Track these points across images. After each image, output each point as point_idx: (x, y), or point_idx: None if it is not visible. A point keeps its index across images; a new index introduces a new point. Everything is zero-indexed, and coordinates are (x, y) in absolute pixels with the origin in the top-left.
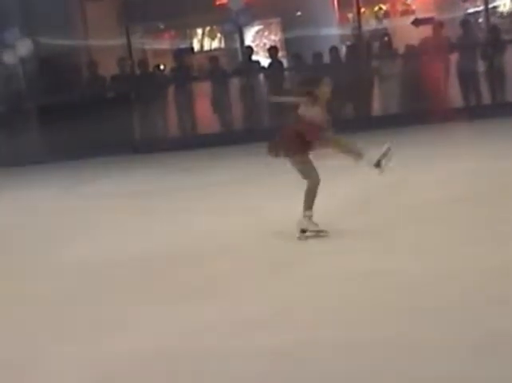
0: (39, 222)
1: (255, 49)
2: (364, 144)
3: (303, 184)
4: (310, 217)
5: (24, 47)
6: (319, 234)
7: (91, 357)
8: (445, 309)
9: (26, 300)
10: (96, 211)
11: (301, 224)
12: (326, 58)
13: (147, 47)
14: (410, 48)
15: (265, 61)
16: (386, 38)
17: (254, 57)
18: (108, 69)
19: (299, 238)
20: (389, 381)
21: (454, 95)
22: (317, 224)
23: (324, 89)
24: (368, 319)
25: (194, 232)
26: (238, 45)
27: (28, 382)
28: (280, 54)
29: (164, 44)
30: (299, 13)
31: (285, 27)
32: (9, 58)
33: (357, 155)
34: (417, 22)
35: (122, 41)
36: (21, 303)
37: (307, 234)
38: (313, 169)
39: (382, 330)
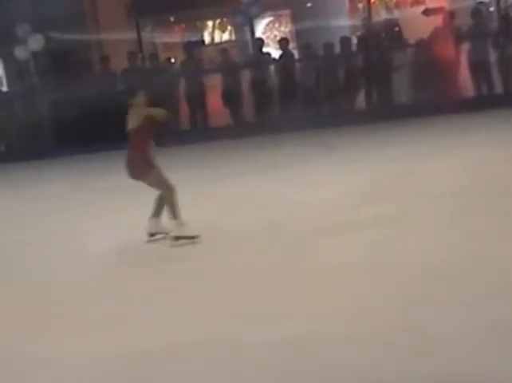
0: (50, 217)
1: (266, 40)
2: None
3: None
4: (181, 224)
5: (35, 42)
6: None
7: (102, 351)
8: (458, 301)
9: (29, 297)
10: (109, 204)
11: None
12: (337, 49)
13: (157, 40)
14: (420, 38)
15: (275, 53)
16: (396, 28)
17: (264, 49)
18: (119, 62)
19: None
20: (399, 376)
21: (466, 85)
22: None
23: (139, 100)
24: (379, 311)
25: (206, 224)
26: (248, 37)
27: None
28: (291, 46)
29: (175, 37)
30: (309, 5)
31: (295, 18)
32: (20, 53)
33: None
34: (427, 12)
35: (132, 34)
36: (24, 301)
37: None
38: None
39: (392, 322)
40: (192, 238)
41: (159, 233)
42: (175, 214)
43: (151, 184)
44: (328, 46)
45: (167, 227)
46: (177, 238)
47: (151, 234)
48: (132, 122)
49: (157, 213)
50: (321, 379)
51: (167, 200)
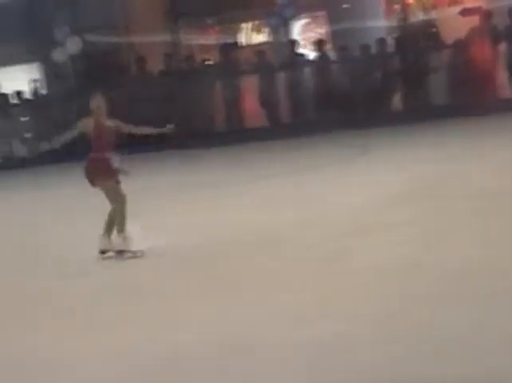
0: (74, 219)
1: (302, 42)
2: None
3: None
4: (125, 238)
5: (73, 45)
6: (135, 254)
7: (139, 351)
8: (486, 302)
9: (53, 298)
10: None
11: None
12: (373, 50)
13: (193, 42)
14: (458, 38)
15: (311, 54)
16: (433, 29)
17: (300, 51)
18: (156, 64)
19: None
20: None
21: (503, 85)
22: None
23: (94, 104)
24: (407, 312)
25: (243, 224)
26: (284, 38)
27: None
28: (326, 47)
29: (211, 39)
30: (345, 6)
31: (331, 20)
32: (59, 56)
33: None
34: (465, 12)
35: (169, 36)
36: (47, 301)
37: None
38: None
39: (420, 323)
40: (135, 253)
41: (112, 250)
42: (122, 227)
43: (106, 190)
44: (365, 48)
45: (119, 243)
46: (120, 252)
47: (103, 251)
48: (91, 129)
49: (109, 229)
50: (348, 380)
51: (116, 212)
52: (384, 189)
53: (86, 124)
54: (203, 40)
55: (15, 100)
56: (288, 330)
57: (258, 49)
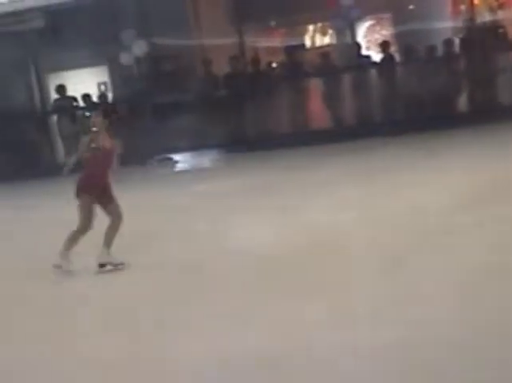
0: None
1: (367, 44)
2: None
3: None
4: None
5: (139, 48)
6: (117, 267)
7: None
8: None
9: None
10: (209, 208)
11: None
12: (439, 51)
13: (259, 45)
14: None
15: (376, 56)
16: (501, 29)
17: (365, 53)
18: (221, 67)
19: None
20: None
21: None
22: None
23: (90, 122)
24: (487, 315)
25: (305, 229)
26: (349, 40)
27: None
28: (392, 49)
29: (276, 41)
30: (411, 7)
31: (396, 21)
32: (125, 59)
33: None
34: None
35: (234, 39)
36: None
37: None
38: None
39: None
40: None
41: (110, 263)
42: (69, 247)
43: (83, 207)
44: (430, 49)
45: (117, 258)
46: (58, 266)
47: (101, 265)
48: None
49: (107, 243)
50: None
51: (75, 232)
52: (452, 190)
53: (85, 143)
54: (268, 42)
55: (83, 103)
56: (360, 333)
57: (323, 51)
